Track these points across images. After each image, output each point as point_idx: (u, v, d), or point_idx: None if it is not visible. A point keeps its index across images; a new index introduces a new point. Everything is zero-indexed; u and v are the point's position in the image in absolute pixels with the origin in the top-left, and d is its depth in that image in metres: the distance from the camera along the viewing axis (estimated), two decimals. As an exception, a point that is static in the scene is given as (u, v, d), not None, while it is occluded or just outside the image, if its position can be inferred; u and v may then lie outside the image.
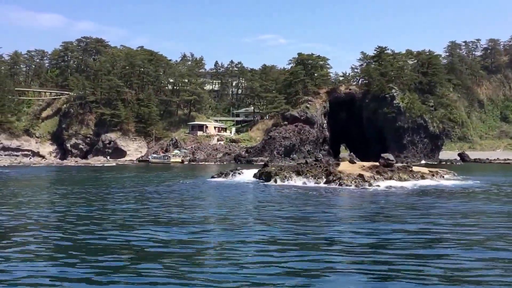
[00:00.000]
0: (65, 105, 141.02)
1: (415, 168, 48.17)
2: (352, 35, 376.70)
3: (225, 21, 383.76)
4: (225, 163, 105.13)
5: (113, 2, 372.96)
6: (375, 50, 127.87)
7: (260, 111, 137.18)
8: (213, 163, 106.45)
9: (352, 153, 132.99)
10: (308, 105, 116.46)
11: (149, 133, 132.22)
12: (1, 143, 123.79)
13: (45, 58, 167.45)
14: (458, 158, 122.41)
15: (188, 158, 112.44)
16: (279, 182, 40.97)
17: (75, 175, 62.24)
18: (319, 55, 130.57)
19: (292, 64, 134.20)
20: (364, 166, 43.72)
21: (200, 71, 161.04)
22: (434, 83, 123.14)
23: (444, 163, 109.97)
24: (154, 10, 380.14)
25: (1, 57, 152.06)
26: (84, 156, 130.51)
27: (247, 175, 45.54)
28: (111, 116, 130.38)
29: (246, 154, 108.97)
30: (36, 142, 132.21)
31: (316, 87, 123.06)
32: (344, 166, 43.67)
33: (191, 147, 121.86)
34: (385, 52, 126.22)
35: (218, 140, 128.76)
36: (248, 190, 36.61)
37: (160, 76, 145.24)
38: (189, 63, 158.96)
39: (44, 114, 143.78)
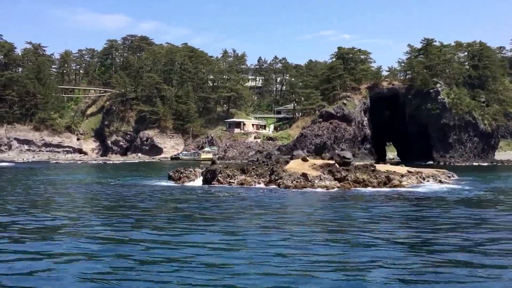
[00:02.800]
0: (107, 103, 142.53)
1: (388, 168, 43.45)
2: (419, 29, 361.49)
3: (287, 18, 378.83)
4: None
5: (176, 2, 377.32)
6: (421, 42, 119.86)
7: (301, 108, 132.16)
8: (239, 161, 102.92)
9: (397, 152, 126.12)
10: (345, 102, 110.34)
11: (186, 130, 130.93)
12: (43, 140, 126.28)
13: (94, 57, 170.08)
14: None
15: (217, 156, 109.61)
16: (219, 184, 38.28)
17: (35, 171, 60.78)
18: (360, 49, 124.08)
19: (333, 59, 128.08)
20: (315, 164, 39.87)
21: (241, 67, 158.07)
22: (486, 77, 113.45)
23: (495, 163, 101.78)
24: (217, 9, 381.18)
25: (50, 57, 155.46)
26: (124, 152, 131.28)
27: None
28: (150, 113, 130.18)
29: (278, 152, 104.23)
30: (78, 139, 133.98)
31: (355, 83, 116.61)
32: (294, 164, 40.28)
33: (225, 144, 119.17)
34: (432, 44, 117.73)
35: (255, 137, 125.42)
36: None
37: (200, 72, 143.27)
38: (230, 59, 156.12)
39: (89, 111, 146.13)
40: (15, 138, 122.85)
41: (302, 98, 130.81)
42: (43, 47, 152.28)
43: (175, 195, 31.35)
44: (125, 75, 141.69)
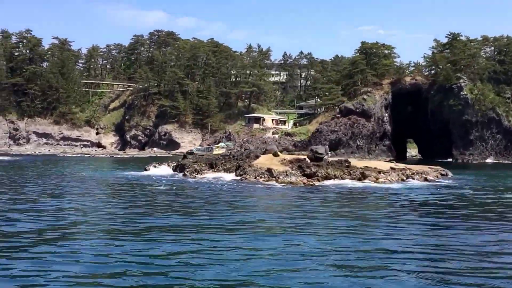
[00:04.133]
0: (130, 97, 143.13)
1: (369, 164, 41.67)
2: (458, 23, 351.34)
3: (323, 14, 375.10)
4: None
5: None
6: (446, 36, 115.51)
7: (321, 103, 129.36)
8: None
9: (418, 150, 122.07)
10: (365, 97, 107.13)
11: (205, 125, 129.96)
12: (61, 133, 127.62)
13: (122, 52, 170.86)
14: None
15: (231, 151, 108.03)
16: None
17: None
18: (384, 44, 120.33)
19: (357, 54, 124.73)
20: (284, 159, 39.41)
21: (265, 62, 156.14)
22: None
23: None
24: (254, 4, 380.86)
25: (75, 52, 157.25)
26: (142, 147, 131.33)
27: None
28: (171, 108, 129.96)
29: (293, 148, 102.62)
30: (98, 133, 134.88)
31: (378, 78, 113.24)
32: (263, 159, 40.00)
33: (242, 139, 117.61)
34: (458, 38, 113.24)
35: (273, 133, 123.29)
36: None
37: (223, 67, 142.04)
38: (255, 54, 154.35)
39: (112, 105, 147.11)
40: (34, 132, 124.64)
41: (327, 93, 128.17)
42: (69, 42, 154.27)
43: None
44: (149, 70, 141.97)
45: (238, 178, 37.01)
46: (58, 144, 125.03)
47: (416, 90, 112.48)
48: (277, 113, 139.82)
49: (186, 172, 40.78)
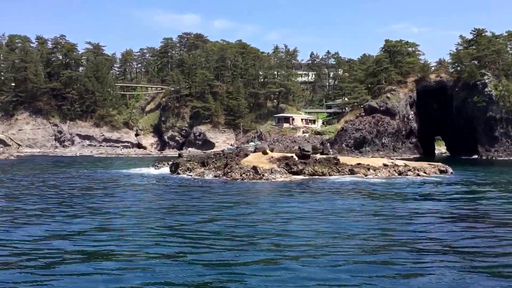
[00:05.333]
0: (163, 99, 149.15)
1: (361, 161, 44.46)
2: (493, 22, 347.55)
3: (355, 14, 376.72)
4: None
5: (247, 1, 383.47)
6: (471, 32, 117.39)
7: (346, 102, 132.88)
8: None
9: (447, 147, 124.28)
10: (389, 95, 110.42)
11: (238, 125, 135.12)
12: (103, 135, 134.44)
13: (154, 55, 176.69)
14: None
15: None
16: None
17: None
18: (407, 41, 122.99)
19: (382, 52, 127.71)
20: (272, 157, 41.34)
21: (293, 62, 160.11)
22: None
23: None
24: (288, 6, 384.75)
25: (109, 56, 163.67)
26: (180, 147, 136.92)
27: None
28: (203, 109, 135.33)
29: (321, 147, 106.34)
30: (137, 135, 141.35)
31: (402, 76, 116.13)
32: (252, 158, 42.20)
33: (272, 139, 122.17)
34: (483, 34, 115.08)
35: (303, 132, 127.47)
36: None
37: (251, 68, 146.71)
38: (282, 54, 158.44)
39: (148, 107, 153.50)
40: (77, 134, 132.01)
41: (352, 92, 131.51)
42: (102, 46, 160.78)
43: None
44: (180, 73, 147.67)
45: (221, 175, 39.18)
46: (100, 145, 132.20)
47: (441, 87, 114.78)
48: (306, 112, 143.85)
49: (179, 171, 43.74)
